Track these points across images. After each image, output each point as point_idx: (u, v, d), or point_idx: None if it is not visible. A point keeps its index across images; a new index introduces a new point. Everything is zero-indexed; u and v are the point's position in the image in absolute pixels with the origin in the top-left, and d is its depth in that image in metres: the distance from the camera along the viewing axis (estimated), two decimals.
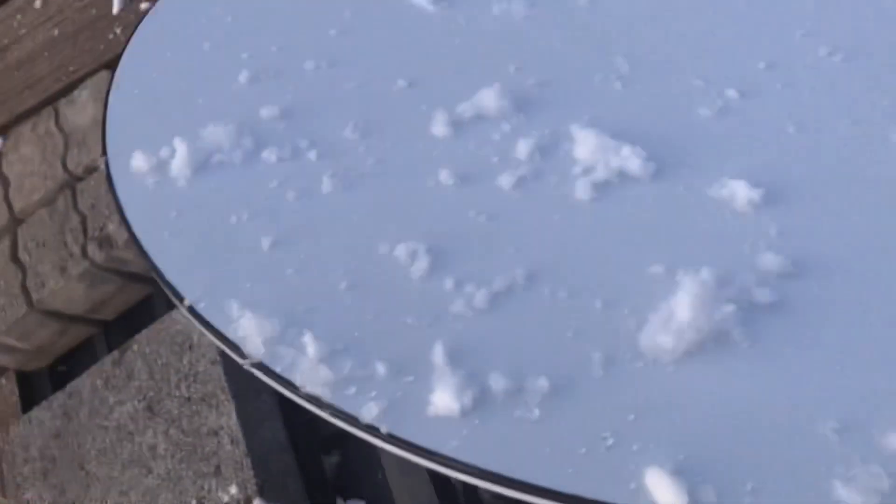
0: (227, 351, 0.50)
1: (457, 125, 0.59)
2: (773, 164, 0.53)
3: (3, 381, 1.08)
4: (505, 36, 0.63)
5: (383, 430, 0.45)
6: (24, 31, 1.30)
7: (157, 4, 0.76)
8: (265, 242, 0.54)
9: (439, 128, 0.58)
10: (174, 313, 0.97)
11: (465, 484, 0.91)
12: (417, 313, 0.50)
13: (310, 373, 0.47)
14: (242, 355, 0.49)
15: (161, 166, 0.60)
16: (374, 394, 0.46)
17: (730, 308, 0.46)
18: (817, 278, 0.49)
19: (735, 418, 0.44)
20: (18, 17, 1.31)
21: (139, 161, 0.60)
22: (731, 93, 0.56)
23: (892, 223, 0.50)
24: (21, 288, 1.00)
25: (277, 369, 0.48)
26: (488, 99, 0.58)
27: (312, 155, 0.60)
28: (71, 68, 1.23)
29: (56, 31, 1.27)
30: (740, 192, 0.51)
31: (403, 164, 0.58)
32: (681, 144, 0.54)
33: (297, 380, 0.47)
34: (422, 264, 0.52)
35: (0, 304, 1.02)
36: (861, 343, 0.46)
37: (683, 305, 0.47)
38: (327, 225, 0.55)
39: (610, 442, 0.44)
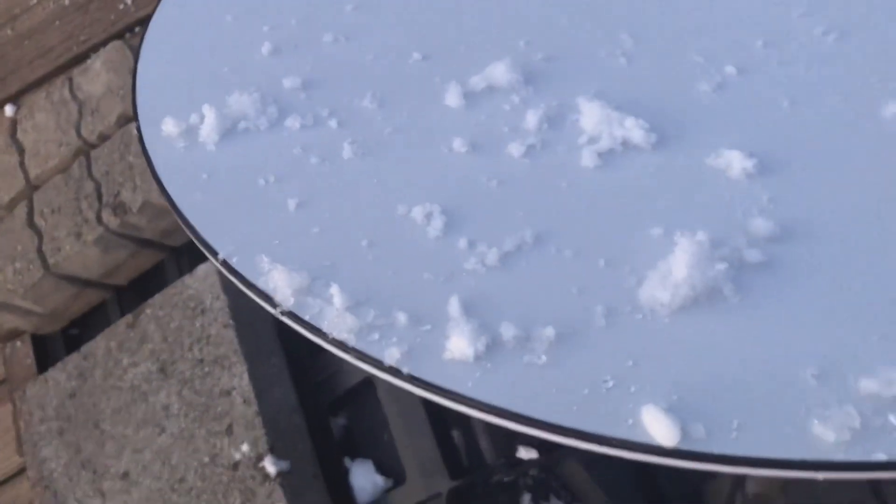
0: (260, 301, 0.54)
1: (469, 96, 0.63)
2: (766, 136, 0.57)
3: (19, 343, 1.12)
4: (515, 12, 0.67)
5: (405, 371, 0.49)
6: (34, 1, 1.33)
7: None
8: (291, 203, 0.58)
9: (453, 98, 0.62)
10: (186, 279, 1.00)
11: (468, 445, 0.95)
12: (434, 269, 0.54)
13: (336, 321, 0.51)
14: (274, 304, 0.53)
15: (190, 132, 0.64)
16: (395, 340, 0.51)
17: (722, 266, 0.51)
18: (803, 242, 0.53)
19: (724, 364, 0.48)
20: None
21: (169, 126, 0.64)
22: (730, 69, 0.60)
23: (875, 193, 0.55)
24: (37, 252, 1.04)
25: (306, 317, 0.52)
26: (499, 72, 0.62)
27: (333, 123, 0.63)
28: (82, 38, 1.26)
29: (66, 1, 1.29)
30: (735, 161, 0.55)
31: (419, 133, 0.62)
32: (681, 117, 0.58)
33: (325, 327, 0.51)
34: (437, 224, 0.56)
35: (17, 267, 1.05)
36: (840, 300, 0.50)
37: (680, 264, 0.51)
38: (348, 188, 0.59)
39: (610, 384, 0.48)
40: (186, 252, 1.07)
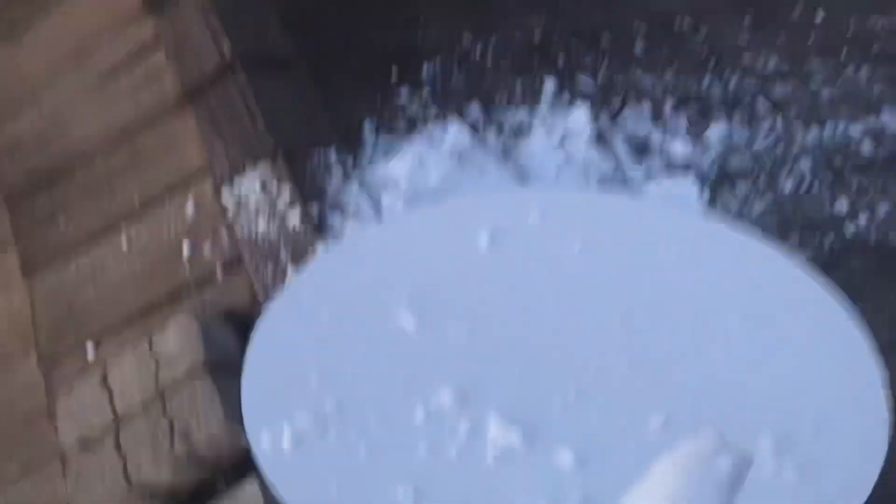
0: None
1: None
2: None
3: None
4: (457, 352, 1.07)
5: None
6: (112, 265, 1.73)
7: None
8: None
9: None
10: (236, 492, 1.35)
11: None
12: None
13: None
14: None
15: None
16: None
17: None
18: None
19: None
20: (109, 253, 1.75)
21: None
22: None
23: None
24: (123, 473, 1.39)
25: None
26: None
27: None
28: (149, 296, 1.66)
29: (138, 266, 1.70)
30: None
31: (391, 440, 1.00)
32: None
33: None
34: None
35: (107, 485, 1.40)
36: None
37: None
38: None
39: None
40: (231, 471, 1.42)
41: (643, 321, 1.05)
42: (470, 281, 1.16)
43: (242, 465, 1.32)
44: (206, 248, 1.62)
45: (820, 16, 3.27)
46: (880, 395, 0.97)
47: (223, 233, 1.61)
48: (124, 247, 1.71)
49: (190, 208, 1.67)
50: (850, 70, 3.02)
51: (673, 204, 1.98)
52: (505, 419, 0.96)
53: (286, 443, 0.99)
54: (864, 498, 0.88)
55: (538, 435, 0.97)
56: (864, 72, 3.07)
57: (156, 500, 1.38)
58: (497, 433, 0.96)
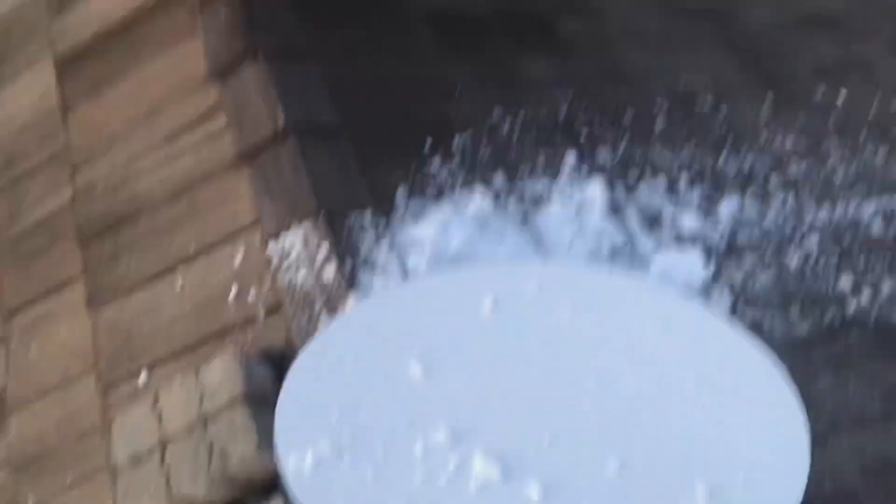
0: None
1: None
2: None
3: None
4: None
5: None
6: (167, 302, 1.95)
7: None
8: None
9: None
10: None
11: None
12: None
13: None
14: None
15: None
16: None
17: None
18: None
19: None
20: (164, 291, 1.97)
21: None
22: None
23: None
24: (165, 488, 1.58)
25: None
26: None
27: None
28: (198, 332, 1.87)
29: (188, 307, 1.92)
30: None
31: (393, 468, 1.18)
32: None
33: None
34: None
35: (151, 497, 1.59)
36: None
37: None
38: None
39: None
40: (261, 490, 1.61)
41: (612, 382, 1.24)
42: (472, 339, 1.36)
43: (270, 485, 1.51)
44: (251, 294, 1.83)
45: (842, 98, 3.43)
46: (803, 446, 1.15)
47: (267, 281, 1.82)
48: (178, 287, 1.93)
49: (239, 257, 1.89)
50: (867, 151, 3.17)
51: (676, 274, 2.14)
52: (488, 456, 1.15)
53: (308, 464, 1.19)
54: None
55: (514, 470, 1.15)
56: (882, 153, 3.21)
57: None
58: (480, 468, 1.15)
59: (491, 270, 1.55)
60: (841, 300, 2.45)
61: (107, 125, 2.32)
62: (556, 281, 1.46)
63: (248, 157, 2.00)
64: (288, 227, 1.84)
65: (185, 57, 2.31)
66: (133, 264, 2.03)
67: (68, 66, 2.49)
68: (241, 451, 1.49)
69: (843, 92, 3.38)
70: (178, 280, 1.94)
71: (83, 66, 2.47)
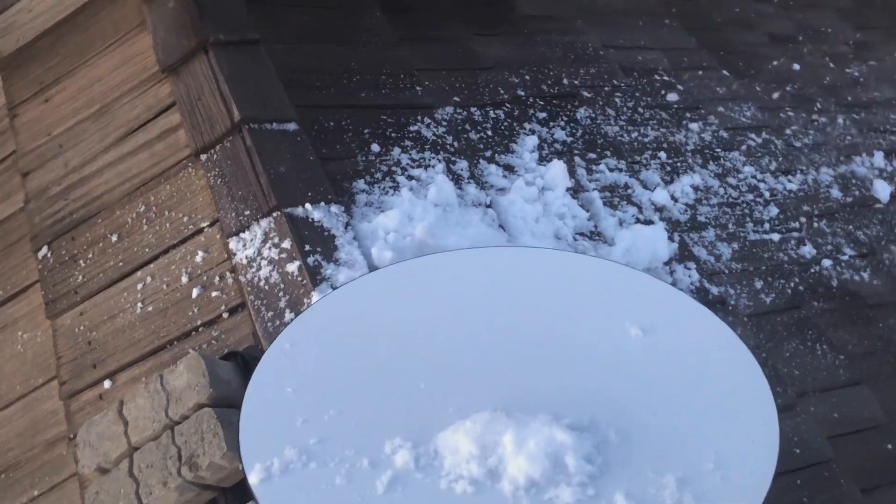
0: None
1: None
2: None
3: None
4: None
5: None
6: (128, 305, 1.91)
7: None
8: None
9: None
10: None
11: None
12: None
13: None
14: None
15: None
16: None
17: None
18: None
19: None
20: (125, 294, 1.93)
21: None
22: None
23: None
24: (135, 495, 1.56)
25: None
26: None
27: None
28: (162, 333, 1.83)
29: (150, 308, 1.88)
30: None
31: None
32: None
33: None
34: None
35: None
36: None
37: None
38: None
39: None
40: (232, 493, 1.59)
41: (574, 365, 1.23)
42: (437, 331, 1.34)
43: (242, 489, 1.49)
44: (214, 294, 1.80)
45: (796, 67, 3.46)
46: (772, 427, 1.15)
47: (229, 280, 1.79)
48: (139, 290, 1.89)
49: (199, 256, 1.85)
50: (823, 119, 3.21)
51: (641, 251, 2.15)
52: (456, 455, 1.15)
53: (275, 471, 1.17)
54: None
55: (487, 464, 1.15)
56: (839, 121, 3.26)
57: None
58: (450, 464, 1.15)
59: (451, 258, 1.53)
60: (804, 268, 2.49)
61: (57, 126, 2.26)
62: (517, 265, 1.44)
63: (203, 153, 1.96)
64: (248, 224, 1.81)
65: (134, 52, 2.26)
66: (91, 269, 1.98)
67: (13, 67, 2.42)
68: (209, 456, 1.47)
69: (797, 63, 3.42)
70: (138, 283, 1.90)
71: (29, 67, 2.40)
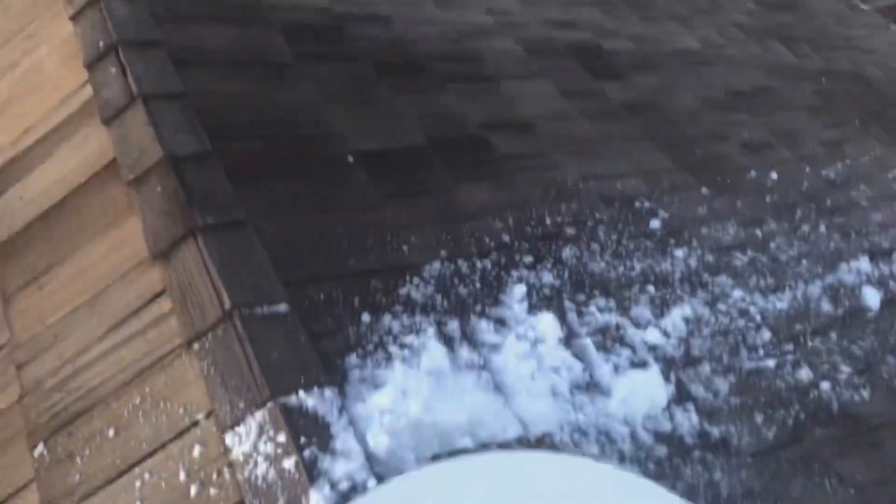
0: None
1: None
2: None
3: None
4: None
5: None
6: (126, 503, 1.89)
7: None
8: None
9: None
10: None
11: None
12: None
13: None
14: None
15: None
16: None
17: None
18: None
19: None
20: (123, 494, 1.91)
21: None
22: None
23: None
24: None
25: None
26: None
27: None
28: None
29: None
30: None
31: None
32: None
33: None
34: None
35: None
36: None
37: None
38: None
39: None
40: None
41: None
42: None
43: None
44: (212, 492, 1.78)
45: (773, 176, 3.53)
46: None
47: (226, 476, 1.78)
48: (137, 489, 1.88)
49: (196, 451, 1.84)
50: (804, 229, 3.25)
51: (639, 398, 2.15)
52: None
53: None
54: None
55: None
56: (819, 229, 3.30)
57: None
58: None
59: (461, 468, 1.54)
60: (803, 394, 2.48)
61: (50, 315, 2.28)
62: (524, 477, 1.46)
63: (196, 341, 1.97)
64: (243, 417, 1.81)
65: (125, 236, 2.30)
66: (89, 467, 1.97)
67: (6, 255, 2.46)
68: None
69: (775, 172, 3.49)
70: (136, 481, 1.89)
71: (21, 255, 2.44)
